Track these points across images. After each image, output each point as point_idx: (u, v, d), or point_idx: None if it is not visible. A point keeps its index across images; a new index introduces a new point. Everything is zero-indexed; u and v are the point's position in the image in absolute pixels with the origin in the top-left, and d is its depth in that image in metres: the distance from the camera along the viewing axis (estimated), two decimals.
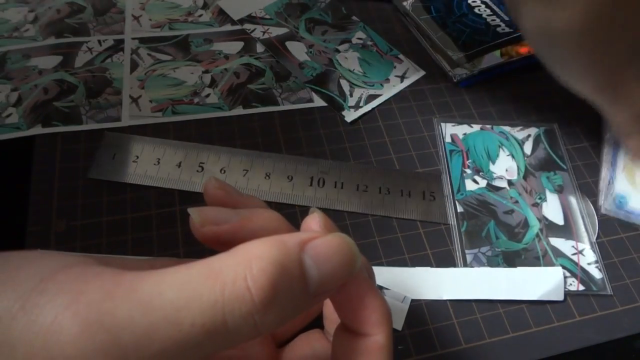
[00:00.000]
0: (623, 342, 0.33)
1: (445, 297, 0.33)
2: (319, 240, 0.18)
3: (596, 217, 0.37)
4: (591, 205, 0.38)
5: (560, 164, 0.40)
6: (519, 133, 0.41)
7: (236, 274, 0.15)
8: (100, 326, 0.14)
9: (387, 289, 0.33)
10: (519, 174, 0.39)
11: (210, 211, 0.20)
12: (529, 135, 0.41)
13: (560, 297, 0.33)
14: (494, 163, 0.39)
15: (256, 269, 0.15)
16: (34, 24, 0.46)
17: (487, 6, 0.49)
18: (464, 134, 0.41)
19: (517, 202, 0.37)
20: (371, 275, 0.23)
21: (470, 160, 0.39)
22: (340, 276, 0.18)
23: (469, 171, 0.39)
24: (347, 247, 0.18)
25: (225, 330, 0.15)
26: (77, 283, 0.15)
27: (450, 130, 0.41)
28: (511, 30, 0.47)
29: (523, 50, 0.46)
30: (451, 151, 0.40)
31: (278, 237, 0.17)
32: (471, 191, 0.38)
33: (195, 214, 0.20)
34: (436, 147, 0.40)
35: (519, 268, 0.34)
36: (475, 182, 0.38)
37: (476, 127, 0.41)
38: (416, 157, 0.40)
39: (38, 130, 0.39)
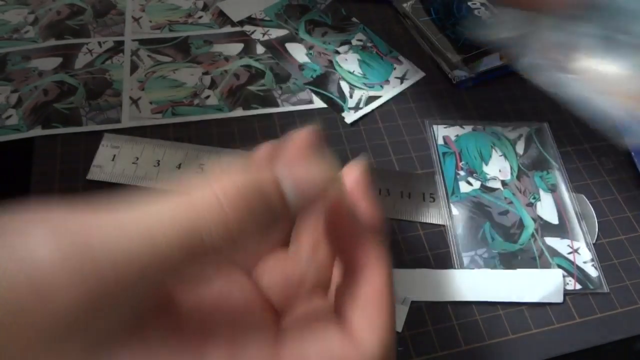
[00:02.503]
0: (623, 343, 0.33)
1: (445, 299, 0.33)
2: (294, 151, 0.18)
3: (595, 219, 0.37)
4: (590, 206, 0.38)
5: (553, 162, 0.40)
6: (510, 133, 0.41)
7: (204, 190, 0.16)
8: (78, 251, 0.14)
9: None
10: (512, 174, 0.39)
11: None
12: (520, 135, 0.41)
13: (560, 300, 0.33)
14: (487, 164, 0.39)
15: (226, 183, 0.16)
16: (34, 26, 0.46)
17: (487, 8, 0.49)
18: (456, 136, 0.41)
19: (511, 202, 0.38)
20: (374, 219, 0.21)
21: (463, 162, 0.39)
22: (320, 189, 0.18)
23: (462, 173, 0.39)
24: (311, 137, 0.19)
25: (202, 246, 0.15)
26: (56, 218, 0.15)
27: (443, 132, 0.41)
28: None
29: None
30: (444, 153, 0.40)
31: (250, 153, 0.17)
32: (465, 193, 0.38)
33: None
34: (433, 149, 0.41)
35: (518, 270, 0.34)
36: (469, 183, 0.38)
37: (468, 129, 0.41)
38: (416, 158, 0.40)
39: (38, 131, 0.39)
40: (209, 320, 0.18)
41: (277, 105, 0.42)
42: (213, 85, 0.43)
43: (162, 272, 0.15)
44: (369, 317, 0.18)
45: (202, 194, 0.16)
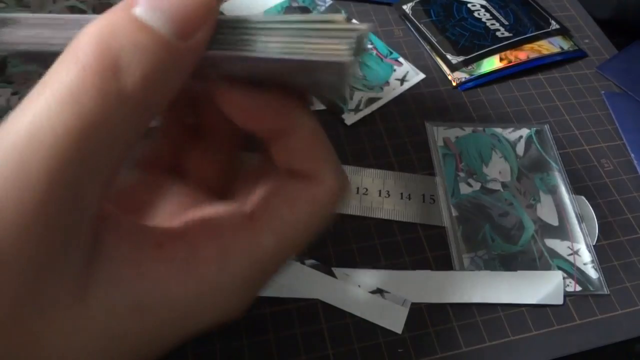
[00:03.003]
0: (623, 345, 0.33)
1: (445, 300, 0.33)
2: None
3: (596, 221, 0.37)
4: (591, 208, 0.38)
5: (553, 164, 0.40)
6: (510, 135, 0.41)
7: (65, 64, 0.13)
8: None
9: (387, 292, 0.33)
10: (512, 175, 0.39)
11: None
12: (520, 137, 0.41)
13: (560, 301, 0.33)
14: (487, 165, 0.39)
15: (82, 46, 0.13)
16: None
17: (487, 10, 0.49)
18: (457, 137, 0.41)
19: (511, 204, 0.38)
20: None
21: (463, 164, 0.39)
22: (194, 4, 0.14)
23: (462, 174, 0.39)
24: None
25: (91, 120, 0.13)
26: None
27: (443, 134, 0.41)
28: (510, 34, 0.47)
29: (522, 54, 0.46)
30: (444, 155, 0.40)
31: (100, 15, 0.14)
32: (465, 194, 0.38)
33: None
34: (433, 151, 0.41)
35: (519, 272, 0.34)
36: (469, 185, 0.38)
37: (468, 130, 0.41)
38: (416, 160, 0.40)
39: None
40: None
41: None
42: None
43: (67, 172, 0.13)
44: (317, 157, 0.18)
45: (61, 68, 0.13)
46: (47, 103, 0.13)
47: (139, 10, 0.13)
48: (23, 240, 0.13)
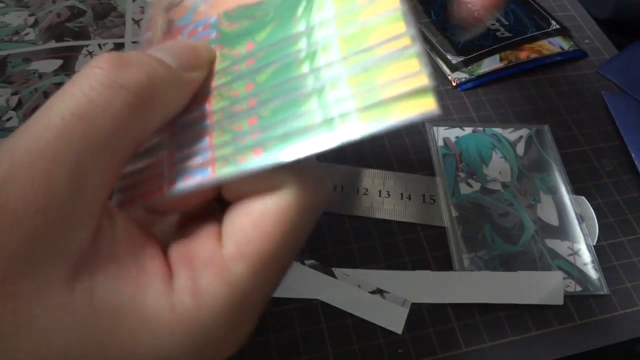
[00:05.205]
0: (624, 345, 0.33)
1: (445, 301, 0.33)
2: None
3: (596, 221, 0.37)
4: (591, 208, 0.38)
5: (553, 164, 0.40)
6: (510, 135, 0.41)
7: (80, 75, 0.16)
8: None
9: (387, 292, 0.33)
10: (512, 176, 0.39)
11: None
12: (520, 137, 0.41)
13: (560, 302, 0.33)
14: (487, 166, 0.39)
15: (97, 60, 0.16)
16: (34, 28, 0.46)
17: None
18: (457, 137, 0.41)
19: (511, 204, 0.37)
20: None
21: (463, 164, 0.39)
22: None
23: (462, 175, 0.39)
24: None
25: (95, 106, 0.15)
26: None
27: (443, 134, 0.41)
28: (510, 34, 0.47)
29: (522, 54, 0.46)
30: (444, 155, 0.40)
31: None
32: (466, 195, 0.38)
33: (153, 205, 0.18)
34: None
35: (519, 272, 0.34)
36: (470, 185, 0.38)
37: (468, 130, 0.41)
38: (416, 160, 0.40)
39: None
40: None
41: None
42: None
43: (73, 154, 0.14)
44: (238, 245, 0.16)
45: (79, 75, 0.16)
46: (59, 93, 0.15)
47: (157, 53, 0.17)
48: (31, 202, 0.14)
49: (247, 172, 0.15)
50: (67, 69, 0.44)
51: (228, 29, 0.19)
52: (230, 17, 0.19)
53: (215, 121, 0.17)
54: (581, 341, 0.32)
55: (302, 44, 0.16)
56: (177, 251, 0.17)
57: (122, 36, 0.47)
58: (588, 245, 0.36)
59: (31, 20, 0.47)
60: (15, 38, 0.46)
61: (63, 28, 0.47)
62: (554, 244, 0.36)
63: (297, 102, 0.15)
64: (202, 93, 0.18)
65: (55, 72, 0.43)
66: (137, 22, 0.48)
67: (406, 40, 0.14)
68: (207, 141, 0.17)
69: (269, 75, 0.16)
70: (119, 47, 0.45)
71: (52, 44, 0.45)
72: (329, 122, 0.15)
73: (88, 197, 0.15)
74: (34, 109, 0.40)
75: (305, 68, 0.16)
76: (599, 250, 0.36)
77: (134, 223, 0.17)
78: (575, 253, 0.35)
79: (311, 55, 0.16)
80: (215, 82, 0.18)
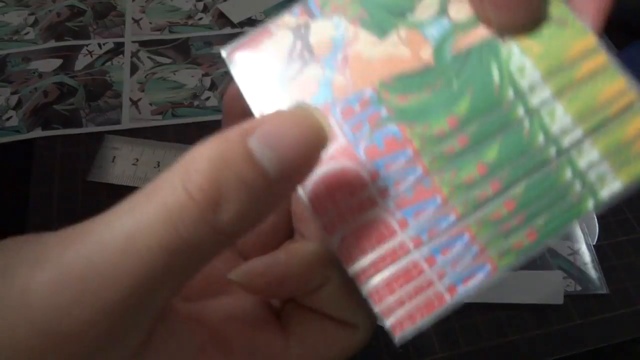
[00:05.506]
0: (623, 345, 0.33)
1: None
2: (266, 118, 0.15)
3: (596, 221, 0.37)
4: None
5: None
6: None
7: (174, 183, 0.14)
8: (67, 279, 0.14)
9: None
10: None
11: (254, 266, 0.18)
12: None
13: (560, 301, 0.33)
14: None
15: (192, 171, 0.14)
16: (34, 27, 0.46)
17: None
18: None
19: None
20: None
21: None
22: (305, 150, 0.15)
23: None
24: (305, 115, 0.15)
25: (185, 243, 0.14)
26: (35, 250, 0.15)
27: None
28: None
29: None
30: None
31: (218, 135, 0.15)
32: None
33: (239, 277, 0.18)
34: None
35: (519, 272, 0.34)
36: None
37: None
38: None
39: (38, 133, 0.39)
40: (220, 329, 0.18)
41: None
42: (213, 86, 0.43)
43: (153, 281, 0.14)
44: (351, 308, 0.19)
45: (171, 188, 0.14)
46: (148, 217, 0.14)
47: (253, 143, 0.14)
48: (95, 322, 0.14)
49: (528, 258, 0.15)
50: (67, 69, 0.43)
51: (401, 103, 0.17)
52: (394, 89, 0.17)
53: (462, 214, 0.16)
54: (581, 341, 0.32)
55: (520, 111, 0.16)
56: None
57: (122, 35, 0.47)
58: (588, 245, 0.36)
59: (31, 19, 0.47)
60: (15, 37, 0.46)
61: (63, 27, 0.47)
62: (554, 243, 0.36)
63: (548, 174, 0.16)
64: (419, 186, 0.16)
65: (55, 72, 0.43)
66: (137, 21, 0.48)
67: (631, 96, 0.15)
68: (466, 237, 0.16)
69: (498, 150, 0.16)
70: (118, 46, 0.45)
71: (52, 43, 0.45)
72: (589, 187, 0.15)
73: (150, 314, 0.16)
74: (33, 109, 0.40)
75: (540, 138, 0.16)
76: (599, 250, 0.36)
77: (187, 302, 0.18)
78: (576, 252, 0.35)
79: (538, 123, 0.16)
80: (429, 168, 0.16)
